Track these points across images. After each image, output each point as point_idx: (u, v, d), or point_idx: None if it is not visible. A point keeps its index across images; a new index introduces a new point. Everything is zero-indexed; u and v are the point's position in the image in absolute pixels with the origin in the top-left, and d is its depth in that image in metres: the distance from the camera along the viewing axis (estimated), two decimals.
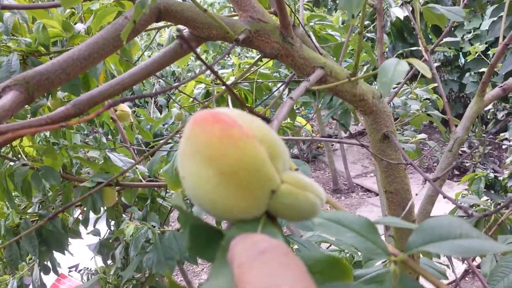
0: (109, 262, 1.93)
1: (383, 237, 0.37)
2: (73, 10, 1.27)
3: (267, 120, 0.43)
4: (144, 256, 1.41)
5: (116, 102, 0.32)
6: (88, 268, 2.52)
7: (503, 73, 2.62)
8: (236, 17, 0.67)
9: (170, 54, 0.63)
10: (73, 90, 1.06)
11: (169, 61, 0.64)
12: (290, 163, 0.32)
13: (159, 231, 1.39)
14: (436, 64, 5.23)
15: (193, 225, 0.29)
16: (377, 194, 4.56)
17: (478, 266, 1.11)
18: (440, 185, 0.94)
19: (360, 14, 0.67)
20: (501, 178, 2.48)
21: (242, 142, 0.26)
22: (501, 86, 0.97)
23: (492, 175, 2.50)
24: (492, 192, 2.55)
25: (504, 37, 0.98)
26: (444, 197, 0.62)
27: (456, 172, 4.89)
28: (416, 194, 0.84)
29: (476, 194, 2.32)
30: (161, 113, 2.75)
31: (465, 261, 0.99)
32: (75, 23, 1.17)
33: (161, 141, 1.63)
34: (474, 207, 1.52)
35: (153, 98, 2.42)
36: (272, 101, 0.95)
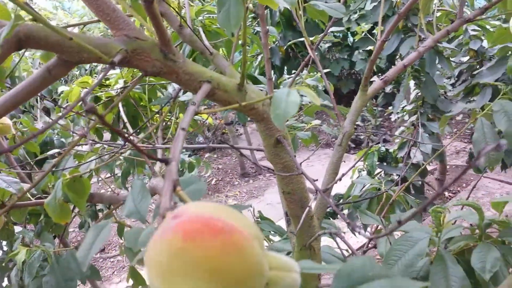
0: (5, 284, 1.77)
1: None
2: None
3: (166, 162, 0.40)
4: (41, 279, 1.30)
5: None
6: None
7: (385, 55, 2.82)
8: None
9: (38, 81, 0.57)
10: None
11: (38, 89, 0.58)
12: None
13: (54, 252, 1.28)
14: (327, 45, 5.50)
15: None
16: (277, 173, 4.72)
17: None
18: (341, 155, 1.00)
19: (242, 28, 0.66)
20: (391, 150, 2.69)
21: (245, 250, 0.25)
22: (382, 79, 1.04)
23: (383, 148, 2.69)
24: (385, 164, 2.74)
25: (383, 20, 1.04)
26: (334, 209, 0.64)
27: (352, 145, 5.25)
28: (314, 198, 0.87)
29: (371, 168, 2.50)
30: (49, 116, 2.54)
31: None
32: None
33: (50, 160, 1.51)
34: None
35: (38, 102, 2.22)
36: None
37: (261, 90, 1.33)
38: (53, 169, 1.13)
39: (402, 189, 1.17)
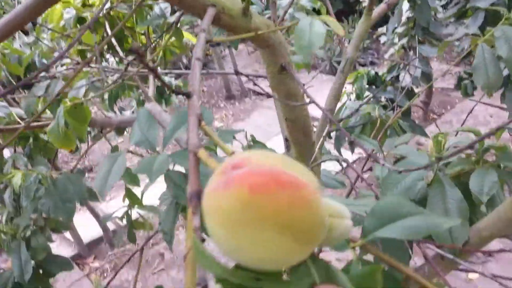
0: None
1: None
2: None
3: (188, 95, 0.39)
4: (37, 202, 1.31)
5: None
6: None
7: None
8: None
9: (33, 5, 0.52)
10: None
11: (35, 13, 0.53)
12: None
13: (50, 178, 1.28)
14: None
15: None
16: (269, 96, 4.70)
17: None
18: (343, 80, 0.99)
19: None
20: (380, 74, 2.68)
21: (311, 203, 0.25)
22: (386, 2, 0.99)
23: (373, 72, 2.67)
24: (374, 87, 2.74)
25: None
26: (342, 131, 0.64)
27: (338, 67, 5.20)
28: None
29: (360, 91, 2.51)
30: (27, 35, 2.40)
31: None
32: None
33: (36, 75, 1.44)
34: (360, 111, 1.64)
35: None
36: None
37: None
38: (44, 94, 1.09)
39: (397, 114, 1.18)
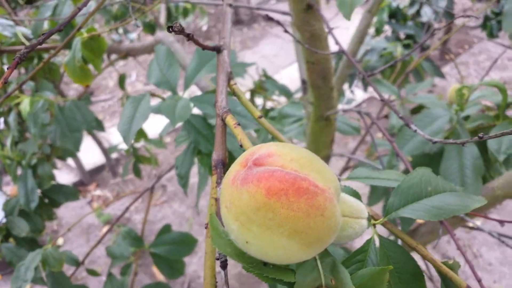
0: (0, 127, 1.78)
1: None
2: None
3: (218, 50, 0.36)
4: (45, 129, 1.30)
5: None
6: None
7: None
8: None
9: None
10: None
11: None
12: None
13: (59, 104, 1.25)
14: None
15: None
16: (279, 23, 4.52)
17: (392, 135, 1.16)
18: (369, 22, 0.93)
19: None
20: (402, 7, 2.55)
21: (327, 211, 0.26)
22: None
23: (394, 4, 2.55)
24: (394, 21, 2.63)
25: None
26: (364, 76, 0.60)
27: None
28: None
29: (379, 24, 2.41)
30: None
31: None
32: None
33: None
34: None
35: None
36: None
37: None
38: (53, 16, 1.02)
39: (423, 57, 1.11)
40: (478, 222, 2.24)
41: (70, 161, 2.93)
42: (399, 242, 0.44)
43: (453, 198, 0.34)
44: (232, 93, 0.38)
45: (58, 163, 2.92)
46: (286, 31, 0.63)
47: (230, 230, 0.27)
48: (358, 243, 1.55)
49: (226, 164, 0.35)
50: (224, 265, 0.29)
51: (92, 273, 1.16)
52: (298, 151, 0.28)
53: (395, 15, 2.50)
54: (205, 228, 0.31)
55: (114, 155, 3.07)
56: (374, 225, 0.35)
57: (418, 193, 0.34)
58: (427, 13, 2.49)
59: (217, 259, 0.30)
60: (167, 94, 0.73)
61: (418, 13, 2.58)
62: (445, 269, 0.32)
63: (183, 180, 0.68)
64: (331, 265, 0.29)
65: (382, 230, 0.41)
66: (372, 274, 0.29)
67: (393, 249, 0.34)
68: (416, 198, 0.34)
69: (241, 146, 0.32)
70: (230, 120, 0.33)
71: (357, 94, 3.00)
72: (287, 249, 0.26)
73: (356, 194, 0.34)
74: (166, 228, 1.12)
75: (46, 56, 1.50)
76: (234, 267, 2.19)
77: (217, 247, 0.28)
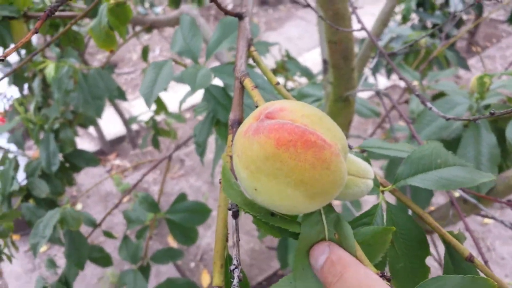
0: (25, 92, 1.82)
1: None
2: None
3: (240, 16, 0.37)
4: (68, 95, 1.33)
5: None
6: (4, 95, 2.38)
7: None
8: None
9: None
10: None
11: None
12: None
13: (82, 71, 1.28)
14: None
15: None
16: (305, 6, 4.48)
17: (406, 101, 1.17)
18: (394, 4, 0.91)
19: None
20: None
21: (333, 165, 0.27)
22: None
23: None
24: (422, 10, 2.58)
25: None
26: (386, 58, 0.60)
27: None
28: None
29: (406, 12, 2.37)
30: None
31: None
32: None
33: None
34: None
35: None
36: None
37: None
38: None
39: (446, 46, 1.10)
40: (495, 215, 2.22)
41: (91, 130, 2.99)
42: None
43: (461, 171, 0.35)
44: (252, 58, 0.39)
45: (80, 131, 2.99)
46: (308, 5, 0.64)
47: (240, 179, 0.29)
48: None
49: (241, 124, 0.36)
50: (235, 215, 0.31)
51: (109, 235, 1.20)
52: (310, 109, 0.29)
53: (423, 3, 2.45)
54: (219, 183, 0.33)
55: (134, 127, 3.12)
56: (382, 191, 0.36)
57: (428, 164, 0.35)
58: (456, 4, 2.43)
59: (229, 209, 0.31)
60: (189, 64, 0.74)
61: (447, 3, 2.53)
62: (449, 237, 0.33)
63: (201, 148, 0.70)
64: (336, 221, 0.30)
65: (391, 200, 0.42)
66: (375, 233, 0.30)
67: (400, 215, 0.35)
68: (426, 169, 0.35)
69: (256, 107, 0.33)
70: (248, 82, 0.35)
71: (380, 81, 2.97)
72: (292, 199, 0.27)
73: (366, 159, 0.36)
74: (182, 197, 1.15)
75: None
76: (247, 243, 2.23)
77: (228, 196, 0.29)
